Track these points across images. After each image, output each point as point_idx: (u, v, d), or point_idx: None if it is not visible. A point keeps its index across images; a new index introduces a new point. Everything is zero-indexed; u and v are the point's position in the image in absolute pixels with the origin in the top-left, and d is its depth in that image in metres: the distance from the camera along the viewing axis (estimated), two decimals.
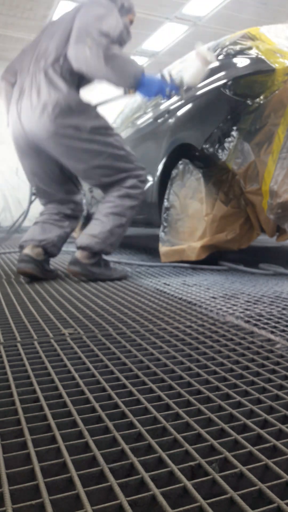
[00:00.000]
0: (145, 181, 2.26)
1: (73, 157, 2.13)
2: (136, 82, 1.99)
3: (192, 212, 2.47)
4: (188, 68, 2.07)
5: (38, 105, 2.03)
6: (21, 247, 2.23)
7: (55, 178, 2.28)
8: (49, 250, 2.23)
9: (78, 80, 2.16)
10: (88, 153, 2.10)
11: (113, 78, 1.98)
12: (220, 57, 2.49)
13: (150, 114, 3.20)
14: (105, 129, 2.14)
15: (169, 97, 2.07)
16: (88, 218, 3.45)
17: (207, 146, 2.30)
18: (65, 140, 2.06)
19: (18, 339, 1.22)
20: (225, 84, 2.29)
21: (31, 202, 3.24)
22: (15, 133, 2.18)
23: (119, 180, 2.18)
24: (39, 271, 2.13)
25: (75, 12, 2.11)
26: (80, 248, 2.15)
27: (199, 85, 2.56)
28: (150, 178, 2.99)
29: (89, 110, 2.13)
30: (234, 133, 2.17)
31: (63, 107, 2.02)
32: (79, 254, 2.15)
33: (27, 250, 2.17)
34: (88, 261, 2.15)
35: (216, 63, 2.39)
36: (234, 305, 1.61)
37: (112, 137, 2.15)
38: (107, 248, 2.16)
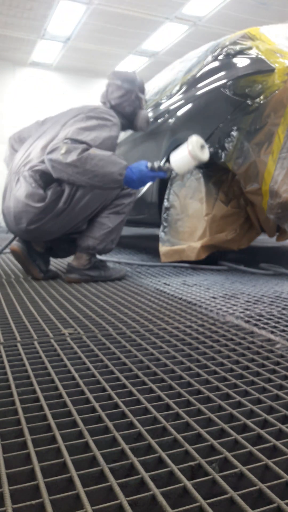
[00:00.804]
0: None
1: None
2: (123, 180, 1.96)
3: (192, 212, 2.47)
4: (177, 158, 2.08)
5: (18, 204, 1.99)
6: None
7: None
8: (54, 252, 2.24)
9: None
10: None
11: (97, 182, 1.92)
12: (220, 57, 2.49)
13: (150, 114, 3.21)
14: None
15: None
16: None
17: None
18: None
19: (18, 339, 1.22)
20: (225, 84, 2.29)
21: None
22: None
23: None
24: (26, 256, 2.09)
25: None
26: (82, 249, 2.14)
27: (199, 85, 2.57)
28: None
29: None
30: (234, 133, 2.17)
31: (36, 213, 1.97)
32: (74, 261, 2.15)
33: None
34: (84, 266, 2.14)
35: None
36: (234, 305, 1.61)
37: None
38: (108, 245, 2.15)
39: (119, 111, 2.23)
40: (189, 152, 2.03)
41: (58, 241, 2.21)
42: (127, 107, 2.22)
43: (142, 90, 2.26)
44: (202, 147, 2.08)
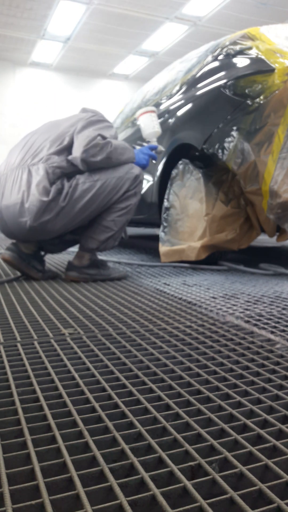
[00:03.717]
0: (138, 177, 2.19)
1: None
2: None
3: (192, 212, 2.47)
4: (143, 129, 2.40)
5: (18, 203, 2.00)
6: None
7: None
8: (46, 247, 2.24)
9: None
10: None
11: (117, 164, 2.12)
12: (220, 57, 2.49)
13: None
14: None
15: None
16: None
17: (207, 146, 2.30)
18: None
19: (18, 339, 1.22)
20: (225, 84, 2.29)
21: None
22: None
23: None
24: (20, 261, 2.09)
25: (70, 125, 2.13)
26: (85, 249, 2.16)
27: (199, 85, 2.57)
28: (150, 178, 2.99)
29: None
30: (234, 133, 2.17)
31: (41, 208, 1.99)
32: (75, 260, 2.18)
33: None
34: (83, 264, 2.17)
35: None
36: (234, 305, 1.61)
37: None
38: (110, 244, 2.18)
39: None
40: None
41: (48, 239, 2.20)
42: None
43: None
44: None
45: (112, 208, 2.13)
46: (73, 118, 2.21)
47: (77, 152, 2.00)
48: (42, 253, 2.29)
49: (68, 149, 2.07)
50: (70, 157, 2.03)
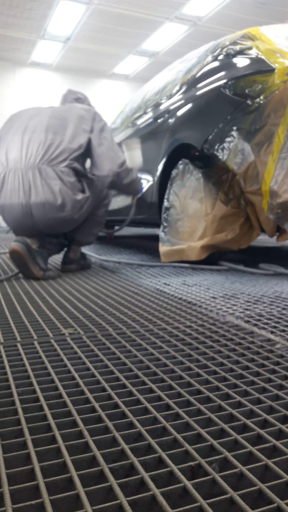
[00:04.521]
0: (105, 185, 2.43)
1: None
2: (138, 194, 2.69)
3: (192, 212, 2.47)
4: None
5: (56, 205, 2.16)
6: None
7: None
8: (46, 246, 2.31)
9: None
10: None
11: (126, 192, 2.57)
12: (220, 57, 2.49)
13: (150, 114, 3.21)
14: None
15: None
16: None
17: (207, 146, 2.30)
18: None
19: (18, 339, 1.22)
20: (225, 84, 2.29)
21: None
22: (19, 222, 2.23)
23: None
24: (28, 255, 2.14)
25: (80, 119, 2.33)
26: (81, 244, 2.49)
27: (199, 85, 2.57)
28: (150, 178, 2.99)
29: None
30: (234, 133, 2.17)
31: (76, 205, 2.22)
32: (72, 254, 2.49)
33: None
34: (78, 257, 2.52)
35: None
36: (234, 305, 1.61)
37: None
38: (96, 238, 2.57)
39: None
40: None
41: (48, 238, 2.33)
42: None
43: (90, 105, 2.66)
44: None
45: (100, 205, 2.47)
46: (74, 110, 2.37)
47: (108, 171, 2.29)
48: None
49: (84, 152, 2.31)
50: (98, 174, 2.30)
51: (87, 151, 2.32)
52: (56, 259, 2.99)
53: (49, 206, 2.14)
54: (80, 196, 2.21)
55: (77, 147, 2.24)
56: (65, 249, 2.55)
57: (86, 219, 2.42)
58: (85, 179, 2.29)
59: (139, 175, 3.17)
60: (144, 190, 3.08)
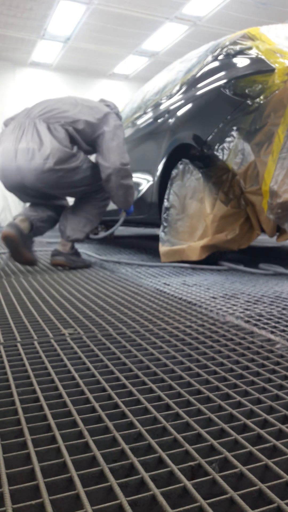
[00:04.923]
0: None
1: (59, 188, 2.46)
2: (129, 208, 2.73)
3: (192, 212, 2.47)
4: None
5: (39, 152, 2.28)
6: (13, 219, 2.48)
7: (43, 197, 2.56)
8: (37, 225, 2.47)
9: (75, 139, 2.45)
10: (74, 181, 2.46)
11: (117, 198, 2.54)
12: (220, 57, 2.49)
13: (150, 114, 3.21)
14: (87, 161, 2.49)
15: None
16: None
17: (207, 146, 2.30)
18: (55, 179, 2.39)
19: (18, 339, 1.22)
20: (225, 84, 2.29)
21: None
22: (6, 167, 2.37)
23: (97, 191, 2.60)
24: (20, 240, 2.31)
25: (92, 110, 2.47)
26: (70, 239, 2.53)
27: (199, 85, 2.56)
28: (150, 178, 2.99)
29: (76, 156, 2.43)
30: (234, 133, 2.17)
31: (60, 157, 2.31)
32: (60, 247, 2.55)
33: (16, 221, 2.40)
34: (68, 251, 2.55)
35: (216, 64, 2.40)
36: (234, 305, 1.61)
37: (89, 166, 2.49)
38: (86, 237, 2.62)
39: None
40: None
41: (38, 208, 2.50)
42: None
43: (119, 113, 2.77)
44: None
45: (94, 204, 2.56)
46: (95, 103, 2.52)
47: (111, 163, 2.37)
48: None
49: (86, 134, 2.41)
50: (101, 162, 2.39)
51: (89, 138, 2.43)
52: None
53: (33, 152, 2.26)
54: (66, 149, 2.29)
55: (77, 119, 2.36)
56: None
57: (80, 216, 2.54)
58: (77, 146, 2.40)
59: (139, 175, 3.17)
60: (144, 190, 3.08)
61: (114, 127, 2.43)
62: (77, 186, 2.45)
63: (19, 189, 2.44)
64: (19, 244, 2.30)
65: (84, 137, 2.41)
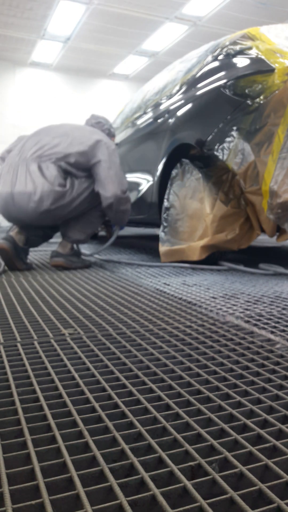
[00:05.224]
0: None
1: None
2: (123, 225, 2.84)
3: (192, 212, 2.47)
4: None
5: (34, 196, 2.33)
6: (8, 231, 2.56)
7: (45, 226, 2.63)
8: (31, 238, 2.55)
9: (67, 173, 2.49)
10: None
11: (115, 219, 2.62)
12: (220, 57, 2.49)
13: (150, 114, 3.21)
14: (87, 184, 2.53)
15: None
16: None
17: (207, 146, 2.30)
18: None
19: (18, 339, 1.22)
20: (225, 84, 2.29)
21: None
22: (6, 208, 2.46)
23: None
24: (14, 253, 2.40)
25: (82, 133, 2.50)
26: (71, 240, 2.56)
27: (199, 85, 2.56)
28: (150, 178, 2.99)
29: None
30: (234, 133, 2.17)
31: (55, 197, 2.36)
32: (60, 248, 2.57)
33: (12, 233, 2.49)
34: (68, 252, 2.57)
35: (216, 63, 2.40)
36: (234, 305, 1.61)
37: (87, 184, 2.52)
38: (89, 236, 2.66)
39: None
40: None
41: (34, 230, 2.56)
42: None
43: (112, 128, 2.86)
44: None
45: (96, 207, 2.59)
46: (86, 130, 2.54)
47: (112, 194, 2.43)
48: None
49: (80, 164, 2.43)
50: (102, 193, 2.42)
51: (85, 166, 2.46)
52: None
53: (27, 196, 2.32)
54: (59, 189, 2.33)
55: (68, 154, 2.39)
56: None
57: (81, 217, 2.56)
58: (71, 177, 2.42)
59: (139, 175, 3.17)
60: (144, 190, 3.08)
61: (109, 155, 2.44)
62: (77, 210, 2.49)
63: (22, 225, 2.51)
64: (13, 257, 2.40)
65: (78, 167, 2.43)
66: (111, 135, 2.83)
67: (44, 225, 2.52)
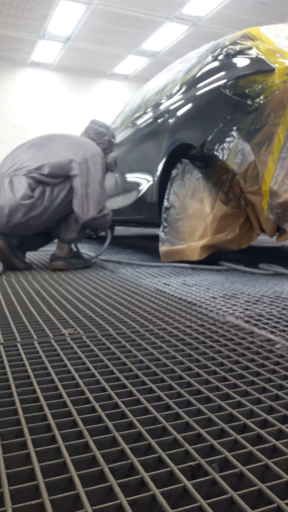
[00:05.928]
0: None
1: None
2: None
3: (192, 212, 2.47)
4: None
5: (5, 210, 2.34)
6: None
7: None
8: (26, 242, 2.58)
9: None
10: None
11: (96, 227, 2.67)
12: (220, 57, 2.49)
13: (150, 114, 3.20)
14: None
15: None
16: None
17: (207, 146, 2.30)
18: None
19: (18, 339, 1.22)
20: (225, 84, 2.29)
21: None
22: None
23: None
24: (9, 251, 2.41)
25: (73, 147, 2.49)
26: (65, 241, 2.56)
27: (199, 85, 2.56)
28: (150, 178, 2.99)
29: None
30: (234, 133, 2.17)
31: (24, 211, 2.35)
32: (58, 251, 2.57)
33: None
34: (66, 255, 2.57)
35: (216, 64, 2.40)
36: (234, 305, 1.61)
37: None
38: (82, 232, 2.64)
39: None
40: None
41: (30, 235, 2.56)
42: (100, 144, 2.73)
43: (113, 137, 2.84)
44: None
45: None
46: (72, 139, 2.55)
47: (87, 215, 2.43)
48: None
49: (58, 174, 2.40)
50: (78, 212, 2.42)
51: (62, 175, 2.42)
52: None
53: (1, 210, 2.34)
54: (25, 201, 2.31)
55: (41, 165, 2.36)
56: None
57: (69, 216, 2.54)
58: (42, 185, 2.38)
59: (139, 175, 3.17)
60: (144, 190, 3.08)
61: (88, 170, 2.43)
62: (58, 214, 2.47)
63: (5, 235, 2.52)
64: (9, 255, 2.41)
65: (54, 177, 2.40)
66: (111, 145, 2.79)
67: (27, 235, 2.51)
